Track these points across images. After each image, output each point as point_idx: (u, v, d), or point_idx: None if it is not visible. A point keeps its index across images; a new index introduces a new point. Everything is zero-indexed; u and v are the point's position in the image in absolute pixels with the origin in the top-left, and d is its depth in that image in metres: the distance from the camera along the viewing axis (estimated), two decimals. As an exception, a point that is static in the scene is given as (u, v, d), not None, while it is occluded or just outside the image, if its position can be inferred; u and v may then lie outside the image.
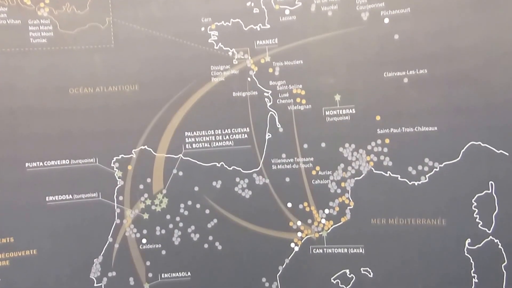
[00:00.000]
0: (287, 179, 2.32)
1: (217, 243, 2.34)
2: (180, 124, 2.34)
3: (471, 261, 2.16)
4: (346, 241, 2.30)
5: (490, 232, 2.13)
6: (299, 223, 2.32)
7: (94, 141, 2.31)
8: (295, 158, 2.32)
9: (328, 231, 2.31)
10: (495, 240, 2.12)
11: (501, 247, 2.11)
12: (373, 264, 2.28)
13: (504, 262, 2.10)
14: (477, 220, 2.14)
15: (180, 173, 2.35)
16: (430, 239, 2.21)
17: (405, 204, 2.24)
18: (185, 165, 2.35)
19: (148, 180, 2.34)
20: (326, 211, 2.31)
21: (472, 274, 2.16)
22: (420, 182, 2.22)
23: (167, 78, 2.33)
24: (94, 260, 2.31)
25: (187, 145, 2.35)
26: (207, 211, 2.35)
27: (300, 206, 2.32)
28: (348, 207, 2.29)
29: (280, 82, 2.33)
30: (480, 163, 2.13)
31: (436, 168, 2.20)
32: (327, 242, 2.31)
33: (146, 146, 2.34)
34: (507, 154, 2.08)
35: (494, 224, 2.12)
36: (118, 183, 2.34)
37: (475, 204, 2.15)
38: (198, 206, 2.35)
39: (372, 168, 2.27)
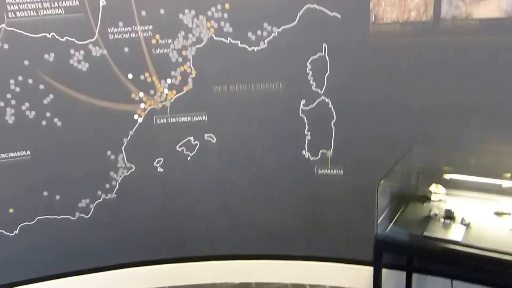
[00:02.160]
0: (126, 49, 2.21)
1: (55, 120, 2.23)
2: (-3, -11, 2.06)
3: (305, 120, 2.29)
4: (190, 109, 2.31)
5: (322, 92, 2.24)
6: (141, 94, 2.27)
7: None
8: (133, 27, 2.19)
9: (171, 101, 2.29)
10: (326, 100, 2.25)
11: (331, 106, 2.25)
12: (217, 130, 2.35)
13: (333, 119, 2.26)
14: (311, 82, 2.24)
15: (6, 46, 2.12)
16: (269, 103, 2.29)
17: (246, 70, 2.26)
18: (10, 37, 2.12)
19: (-35, 55, 2.10)
20: (168, 81, 2.27)
21: (306, 132, 2.31)
22: (259, 48, 2.23)
23: None
24: None
25: (9, 13, 2.10)
26: (42, 87, 2.19)
27: (142, 77, 2.25)
28: (190, 76, 2.27)
29: None
30: (315, 26, 2.17)
31: (275, 33, 2.21)
32: (171, 112, 2.30)
33: (-44, 15, 2.05)
34: (339, 16, 2.13)
35: (325, 85, 2.23)
36: None
37: (310, 66, 2.23)
38: (30, 81, 2.18)
39: (213, 35, 2.22)
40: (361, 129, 2.23)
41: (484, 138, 2.01)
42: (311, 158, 2.34)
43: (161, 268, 2.54)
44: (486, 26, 1.91)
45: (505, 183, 1.93)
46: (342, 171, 2.32)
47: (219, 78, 2.28)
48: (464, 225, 1.73)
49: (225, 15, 2.20)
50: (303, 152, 2.34)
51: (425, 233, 1.70)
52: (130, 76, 2.24)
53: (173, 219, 2.48)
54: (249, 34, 2.22)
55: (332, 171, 2.33)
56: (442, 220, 1.78)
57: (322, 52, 2.20)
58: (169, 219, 2.47)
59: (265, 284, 2.54)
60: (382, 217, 1.81)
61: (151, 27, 2.20)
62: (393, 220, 1.83)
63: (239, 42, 2.23)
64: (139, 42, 2.21)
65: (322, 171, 2.34)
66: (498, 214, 1.81)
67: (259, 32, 2.21)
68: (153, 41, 2.21)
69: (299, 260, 2.51)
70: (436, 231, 1.71)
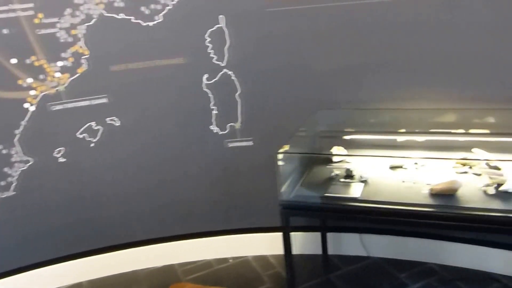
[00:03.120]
0: (5, 31, 2.01)
1: None
2: None
3: (210, 94, 2.26)
4: (87, 93, 2.18)
5: (224, 65, 2.21)
6: (29, 80, 2.09)
7: None
8: (10, 5, 1.99)
9: (66, 85, 2.15)
10: (229, 72, 2.23)
11: (234, 78, 2.23)
12: (120, 112, 2.25)
13: (238, 91, 2.25)
14: (211, 55, 2.20)
15: None
16: (171, 79, 2.22)
17: (143, 46, 2.17)
18: None
19: None
20: (59, 63, 2.11)
21: (212, 107, 2.28)
22: (155, 22, 2.14)
23: None
24: None
25: None
26: None
27: (27, 61, 2.07)
28: (83, 57, 2.13)
29: None
30: (211, -3, 2.12)
31: (169, 6, 2.12)
32: (67, 97, 2.16)
33: None
34: (234, -15, 2.09)
35: (226, 57, 2.20)
36: None
37: (209, 39, 2.18)
38: None
39: (103, 11, 2.09)
40: (267, 98, 2.25)
41: (382, 97, 2.11)
42: (220, 132, 2.32)
43: (77, 262, 2.42)
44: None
45: (399, 138, 2.06)
46: (252, 142, 2.33)
47: (116, 56, 2.17)
48: (362, 182, 1.82)
49: (115, -10, 2.08)
50: (211, 127, 2.31)
51: (326, 194, 1.76)
52: (13, 60, 2.05)
53: (85, 210, 2.36)
54: (142, 8, 2.12)
55: (241, 143, 2.33)
56: (342, 179, 1.85)
57: (219, 23, 2.15)
58: (80, 211, 2.35)
59: (188, 263, 2.52)
60: (287, 183, 1.84)
61: (31, 5, 2.02)
62: (298, 185, 1.87)
63: (132, 18, 2.12)
64: (19, 22, 2.02)
65: (232, 144, 2.34)
66: (392, 167, 1.92)
67: (152, 6, 2.12)
68: (36, 21, 2.04)
69: (220, 235, 2.51)
70: (337, 191, 1.78)
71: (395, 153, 1.98)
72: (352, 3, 2.02)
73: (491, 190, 1.64)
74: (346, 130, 2.17)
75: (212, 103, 2.27)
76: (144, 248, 2.48)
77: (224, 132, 2.33)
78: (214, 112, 2.29)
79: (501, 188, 1.64)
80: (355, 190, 1.76)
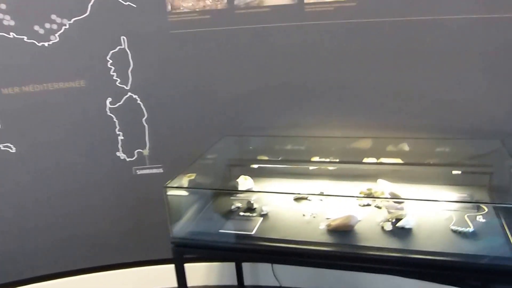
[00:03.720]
0: None
1: None
2: None
3: (115, 119, 2.12)
4: (-25, 118, 2.01)
5: (128, 88, 2.08)
6: None
7: None
8: None
9: (-51, 109, 1.96)
10: (134, 96, 2.10)
11: (140, 102, 2.10)
12: (14, 138, 2.07)
13: (145, 116, 2.12)
14: (114, 77, 2.07)
15: None
16: (72, 103, 2.07)
17: (39, 68, 2.01)
18: None
19: None
20: None
21: (118, 132, 2.14)
22: (50, 42, 1.99)
23: None
24: None
25: None
26: None
27: None
28: (-31, 79, 1.96)
29: None
30: (111, 18, 1.99)
31: (66, 25, 1.98)
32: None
33: None
34: (135, 6, 1.97)
35: (131, 80, 2.08)
36: None
37: (111, 61, 2.05)
38: None
39: (-8, 30, 1.93)
40: (174, 124, 2.13)
41: (293, 123, 2.03)
42: (128, 159, 2.19)
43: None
44: (276, 11, 1.89)
45: (308, 167, 1.98)
46: (161, 169, 2.20)
47: (9, 79, 2.00)
48: (262, 215, 1.72)
49: (3, 6, 1.92)
50: (118, 153, 2.17)
51: (222, 230, 1.65)
52: None
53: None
54: (36, 27, 1.96)
55: (151, 170, 2.20)
56: (242, 213, 1.75)
57: (121, 45, 2.03)
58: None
59: (99, 298, 2.35)
60: (187, 215, 1.73)
61: None
62: (197, 218, 1.76)
63: (25, 37, 1.97)
64: None
65: (141, 171, 2.20)
66: (297, 199, 1.83)
67: (47, 25, 1.97)
68: None
69: (132, 267, 2.36)
70: (233, 226, 1.67)
71: (300, 183, 1.89)
72: (260, 26, 1.94)
73: (388, 226, 1.57)
74: (254, 157, 2.07)
75: (117, 128, 2.13)
76: (48, 283, 2.30)
77: (132, 159, 2.19)
78: (120, 137, 2.15)
79: (398, 224, 1.57)
80: (252, 226, 1.65)
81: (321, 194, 1.81)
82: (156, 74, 2.05)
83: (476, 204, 1.69)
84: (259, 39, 1.95)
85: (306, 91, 1.98)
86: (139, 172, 2.20)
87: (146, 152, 2.17)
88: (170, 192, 1.66)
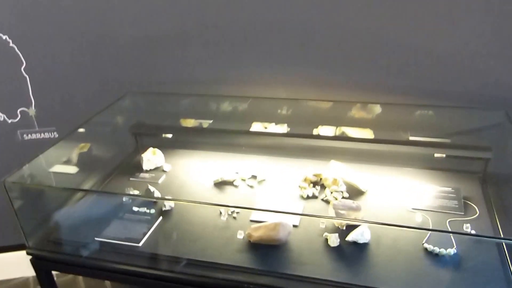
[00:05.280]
0: None
1: None
2: None
3: (-19, 67, 1.54)
4: None
5: (-4, 23, 1.48)
6: None
7: None
8: None
9: None
10: (4, 37, 1.50)
11: (13, 45, 1.52)
12: None
13: (23, 64, 1.55)
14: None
15: None
16: None
17: None
18: None
19: None
20: None
21: (-13, 85, 1.57)
22: None
23: None
24: None
25: None
26: None
27: None
28: None
29: None
30: None
31: None
32: None
33: None
34: None
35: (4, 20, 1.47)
36: None
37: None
38: None
39: None
40: (64, 75, 1.57)
41: (222, 78, 1.48)
42: (9, 120, 1.64)
43: None
44: None
45: (238, 137, 1.46)
46: (56, 134, 1.67)
47: None
48: (162, 214, 1.22)
49: None
50: (-5, 113, 1.62)
51: (98, 238, 1.15)
52: None
53: None
54: None
55: (42, 134, 1.67)
56: (136, 208, 1.25)
57: None
58: None
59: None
60: (63, 211, 1.23)
61: None
62: (74, 215, 1.25)
63: None
64: None
65: (29, 136, 1.67)
66: (217, 183, 1.32)
67: None
68: None
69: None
70: (117, 231, 1.17)
71: (228, 160, 1.39)
72: None
73: (334, 241, 1.08)
74: (169, 124, 1.54)
75: (-13, 79, 1.57)
76: None
77: (14, 120, 1.64)
78: (-7, 91, 1.59)
79: (349, 237, 1.08)
80: (142, 232, 1.16)
81: (243, 179, 1.31)
82: (34, 10, 1.45)
83: (463, 203, 1.20)
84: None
85: (239, 34, 1.40)
86: (26, 137, 1.67)
87: (32, 111, 1.62)
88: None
